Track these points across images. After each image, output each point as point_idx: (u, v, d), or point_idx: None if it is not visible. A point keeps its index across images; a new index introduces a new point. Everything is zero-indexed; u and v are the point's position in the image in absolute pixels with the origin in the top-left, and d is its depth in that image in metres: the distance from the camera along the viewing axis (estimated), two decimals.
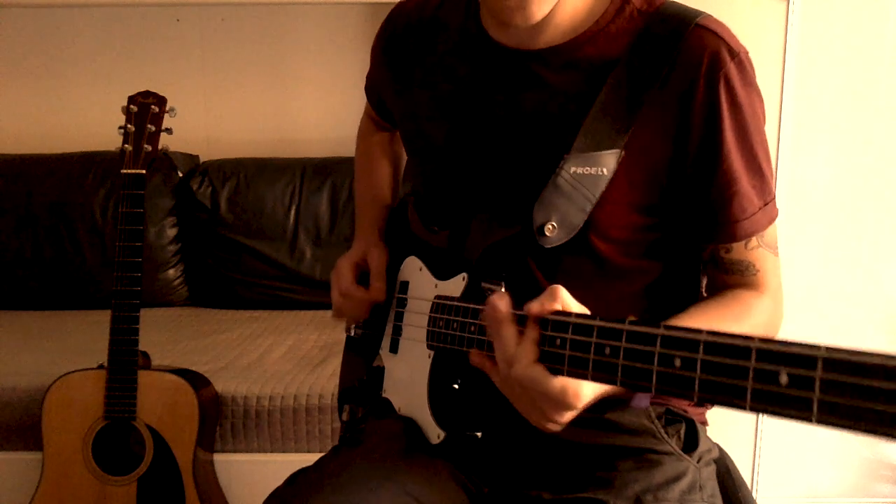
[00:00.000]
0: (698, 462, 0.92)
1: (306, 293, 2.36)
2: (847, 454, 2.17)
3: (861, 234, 2.05)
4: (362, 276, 1.04)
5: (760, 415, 0.56)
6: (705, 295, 0.94)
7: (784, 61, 1.96)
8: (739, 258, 0.87)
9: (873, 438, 0.44)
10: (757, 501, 1.05)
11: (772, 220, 0.87)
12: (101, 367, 1.56)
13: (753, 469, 2.14)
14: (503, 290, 0.84)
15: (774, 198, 0.88)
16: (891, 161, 2.02)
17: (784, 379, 0.48)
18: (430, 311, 0.90)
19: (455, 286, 0.89)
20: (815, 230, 2.04)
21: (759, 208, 0.85)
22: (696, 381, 0.56)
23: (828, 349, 0.47)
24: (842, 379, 0.45)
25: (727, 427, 2.15)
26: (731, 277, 0.88)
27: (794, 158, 2.01)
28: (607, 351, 0.63)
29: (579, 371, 0.65)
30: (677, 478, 0.89)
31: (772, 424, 2.12)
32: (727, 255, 0.87)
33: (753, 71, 0.84)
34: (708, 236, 0.87)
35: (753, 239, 0.86)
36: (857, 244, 2.05)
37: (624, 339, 0.61)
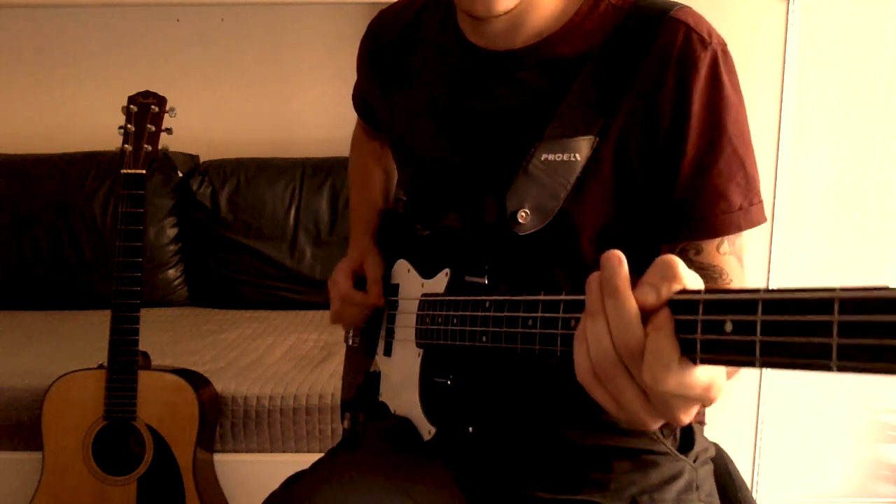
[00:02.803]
0: (694, 462, 0.92)
1: (306, 293, 2.36)
2: (847, 454, 2.17)
3: (861, 233, 2.05)
4: (359, 282, 1.05)
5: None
6: None
7: (784, 61, 1.96)
8: (711, 262, 0.82)
9: (811, 371, 0.44)
10: (757, 501, 1.04)
11: (753, 223, 0.82)
12: (101, 367, 1.56)
13: (753, 469, 2.14)
14: (486, 281, 0.84)
15: (761, 201, 0.84)
16: (891, 161, 2.02)
17: (729, 326, 0.48)
18: (417, 310, 0.91)
19: (439, 283, 0.89)
20: (814, 230, 2.04)
21: (741, 207, 0.81)
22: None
23: (767, 291, 0.47)
24: (781, 319, 0.45)
25: (727, 427, 2.16)
26: None
27: (794, 158, 2.01)
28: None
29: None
30: (673, 478, 0.90)
31: (772, 424, 2.12)
32: (696, 256, 0.82)
33: (731, 63, 0.82)
34: (679, 231, 0.82)
35: (725, 243, 0.82)
36: (857, 244, 2.05)
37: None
